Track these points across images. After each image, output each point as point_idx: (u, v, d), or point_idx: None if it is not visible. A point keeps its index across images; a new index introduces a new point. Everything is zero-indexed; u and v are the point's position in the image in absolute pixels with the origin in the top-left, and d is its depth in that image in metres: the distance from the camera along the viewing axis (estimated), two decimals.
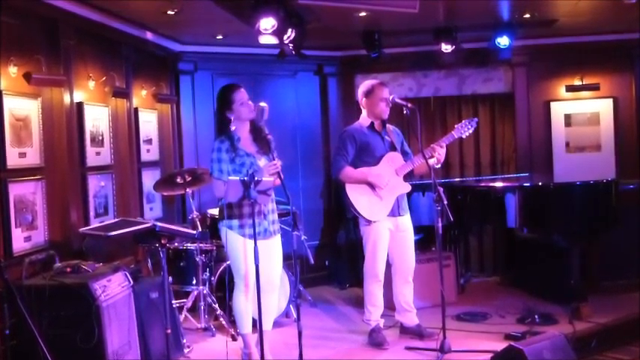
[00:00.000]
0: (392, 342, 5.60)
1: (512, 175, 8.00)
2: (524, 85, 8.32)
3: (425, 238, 7.22)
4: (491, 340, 5.54)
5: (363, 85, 5.75)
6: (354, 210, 5.58)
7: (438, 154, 5.49)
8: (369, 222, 5.58)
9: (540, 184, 6.65)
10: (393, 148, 5.71)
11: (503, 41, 7.06)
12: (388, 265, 5.75)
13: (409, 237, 5.74)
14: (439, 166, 5.60)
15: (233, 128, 4.90)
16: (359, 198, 5.56)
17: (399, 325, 5.87)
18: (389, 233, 5.62)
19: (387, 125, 5.78)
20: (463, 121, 5.66)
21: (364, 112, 5.75)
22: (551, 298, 6.49)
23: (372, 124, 5.69)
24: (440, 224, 5.16)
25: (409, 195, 5.79)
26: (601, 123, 8.22)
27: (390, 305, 5.89)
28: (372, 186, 5.55)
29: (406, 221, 5.72)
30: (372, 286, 5.66)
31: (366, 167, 5.59)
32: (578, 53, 8.09)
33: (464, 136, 5.68)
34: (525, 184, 6.48)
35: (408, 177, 5.72)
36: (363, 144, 5.63)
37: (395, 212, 5.61)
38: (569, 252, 6.12)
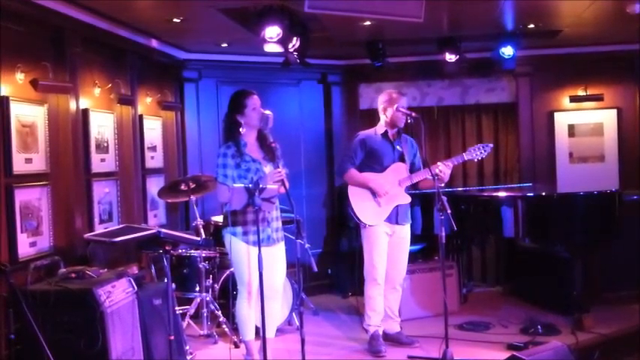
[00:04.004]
0: (393, 350, 5.62)
1: (515, 185, 8.01)
2: (527, 95, 8.33)
3: (428, 248, 7.24)
4: (494, 349, 5.54)
5: (384, 94, 5.81)
6: (351, 211, 5.67)
7: (442, 173, 5.44)
8: (365, 225, 5.64)
9: (544, 194, 6.65)
10: (402, 158, 5.75)
11: (507, 51, 7.07)
12: None
13: (404, 245, 5.78)
14: (443, 184, 5.55)
15: (243, 131, 4.93)
16: (358, 201, 5.65)
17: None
18: (387, 237, 5.68)
19: (403, 135, 5.83)
20: (477, 145, 5.64)
21: (382, 120, 5.79)
22: (553, 308, 6.49)
23: (385, 132, 5.74)
24: (443, 233, 5.17)
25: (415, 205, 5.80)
26: (605, 133, 8.24)
27: None
28: (373, 192, 5.61)
29: (405, 230, 5.77)
30: (372, 290, 5.71)
31: (370, 173, 5.64)
32: (582, 64, 8.12)
33: (476, 160, 5.69)
34: (528, 194, 6.49)
35: (414, 188, 5.77)
36: (372, 150, 5.70)
37: (392, 219, 5.67)
38: (571, 263, 6.12)
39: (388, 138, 5.76)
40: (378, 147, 5.72)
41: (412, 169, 5.77)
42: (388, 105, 5.72)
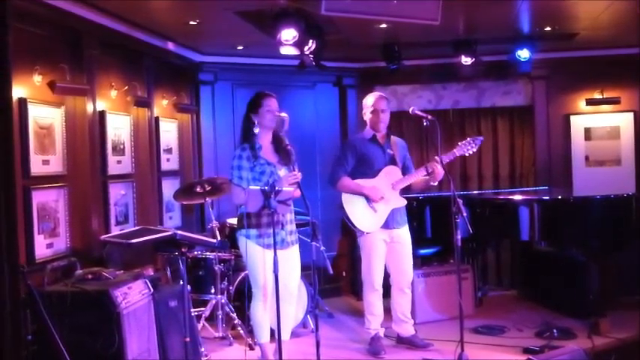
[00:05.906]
0: (408, 353, 5.63)
1: (530, 189, 7.98)
2: (543, 98, 8.30)
3: (443, 251, 7.22)
4: (509, 353, 5.52)
5: (365, 98, 5.84)
6: (347, 220, 5.65)
7: (435, 171, 5.46)
8: (362, 233, 5.63)
9: (560, 197, 6.62)
10: (393, 161, 5.73)
11: (523, 54, 7.06)
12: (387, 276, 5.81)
13: (405, 249, 5.75)
14: (435, 183, 5.58)
15: (256, 131, 4.93)
16: (353, 209, 5.62)
17: (396, 336, 5.90)
18: (384, 244, 5.66)
19: (392, 137, 5.82)
20: (467, 139, 5.61)
21: (367, 124, 5.81)
22: (569, 312, 6.45)
23: (374, 136, 5.73)
24: (459, 236, 5.15)
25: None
26: (621, 137, 8.19)
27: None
28: (367, 198, 5.59)
29: (402, 233, 5.74)
30: (370, 296, 5.72)
31: (363, 179, 5.63)
32: (598, 67, 8.07)
33: (467, 154, 5.65)
34: (544, 198, 6.46)
35: (405, 191, 5.75)
36: (362, 155, 5.68)
37: (389, 225, 5.64)
38: (587, 266, 6.08)
39: (377, 141, 5.73)
40: (368, 151, 5.69)
41: (404, 172, 5.76)
42: (366, 110, 5.76)
